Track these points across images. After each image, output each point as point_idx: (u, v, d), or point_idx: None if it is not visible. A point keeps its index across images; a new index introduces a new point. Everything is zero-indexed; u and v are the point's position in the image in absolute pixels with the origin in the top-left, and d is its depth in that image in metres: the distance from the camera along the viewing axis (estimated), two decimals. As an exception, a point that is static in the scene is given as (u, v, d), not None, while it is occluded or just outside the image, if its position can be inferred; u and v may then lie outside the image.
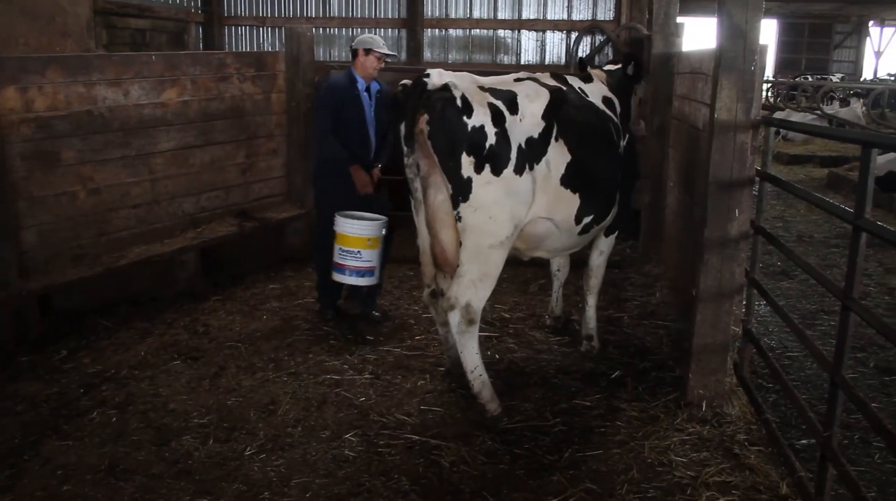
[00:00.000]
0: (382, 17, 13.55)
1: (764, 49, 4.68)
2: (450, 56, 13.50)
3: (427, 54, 13.44)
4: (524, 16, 13.31)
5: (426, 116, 4.47)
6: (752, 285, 5.02)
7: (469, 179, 4.51)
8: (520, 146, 4.63)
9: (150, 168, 6.90)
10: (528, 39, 13.39)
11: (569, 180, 4.92)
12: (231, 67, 7.72)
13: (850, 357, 5.69)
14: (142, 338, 6.10)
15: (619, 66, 5.96)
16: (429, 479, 4.17)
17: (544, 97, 4.88)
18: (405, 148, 4.66)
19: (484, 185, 4.52)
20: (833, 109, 20.27)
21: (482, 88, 4.70)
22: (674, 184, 7.36)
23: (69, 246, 6.24)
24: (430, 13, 13.38)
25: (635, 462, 4.34)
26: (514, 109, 4.69)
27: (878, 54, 41.54)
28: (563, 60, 13.21)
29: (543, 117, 4.80)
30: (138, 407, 4.93)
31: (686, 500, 4.00)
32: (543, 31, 13.32)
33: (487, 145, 4.52)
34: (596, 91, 5.53)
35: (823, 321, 6.73)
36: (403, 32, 13.49)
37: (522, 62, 13.35)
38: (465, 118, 4.49)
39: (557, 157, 4.84)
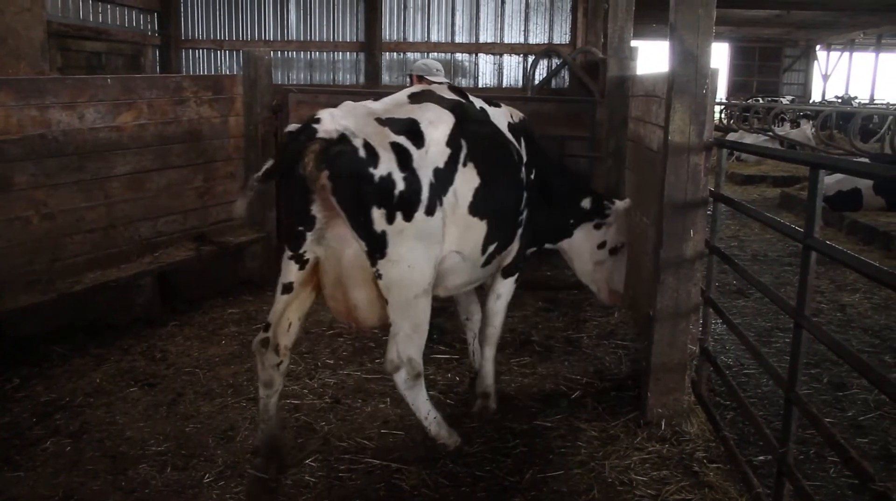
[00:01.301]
0: (340, 40, 13.61)
1: (715, 73, 4.79)
2: (407, 80, 13.57)
3: (385, 77, 13.52)
4: (481, 39, 13.46)
5: (327, 172, 3.88)
6: (708, 305, 5.10)
7: (383, 233, 4.04)
8: (431, 183, 4.18)
9: (105, 192, 6.80)
10: (486, 63, 13.54)
11: (476, 207, 4.47)
12: (188, 91, 7.68)
13: (803, 374, 5.79)
14: (97, 365, 5.99)
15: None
16: (391, 504, 4.15)
17: (448, 120, 4.41)
18: (288, 197, 4.14)
19: (398, 235, 4.06)
20: (784, 130, 20.72)
21: (380, 121, 4.16)
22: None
23: (22, 271, 6.12)
24: (387, 37, 13.48)
25: (596, 481, 4.36)
26: (418, 141, 4.20)
27: (825, 77, 42.71)
28: (520, 83, 13.36)
29: (448, 143, 4.33)
30: (94, 436, 4.83)
31: (647, 519, 4.03)
32: (500, 55, 13.48)
33: (397, 193, 4.03)
34: (500, 116, 5.06)
35: (778, 338, 6.84)
36: (362, 56, 13.56)
37: (480, 85, 13.49)
38: (370, 170, 3.96)
39: (465, 183, 4.41)
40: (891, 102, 35.00)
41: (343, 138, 3.94)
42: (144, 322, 6.86)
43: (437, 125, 4.34)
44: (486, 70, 13.55)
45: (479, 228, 4.56)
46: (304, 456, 4.60)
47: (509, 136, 4.95)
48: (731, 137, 18.42)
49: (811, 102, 36.53)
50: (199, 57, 13.74)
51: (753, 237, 11.60)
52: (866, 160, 11.16)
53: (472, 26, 13.40)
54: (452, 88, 4.95)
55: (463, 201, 4.41)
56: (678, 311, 4.92)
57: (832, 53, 43.46)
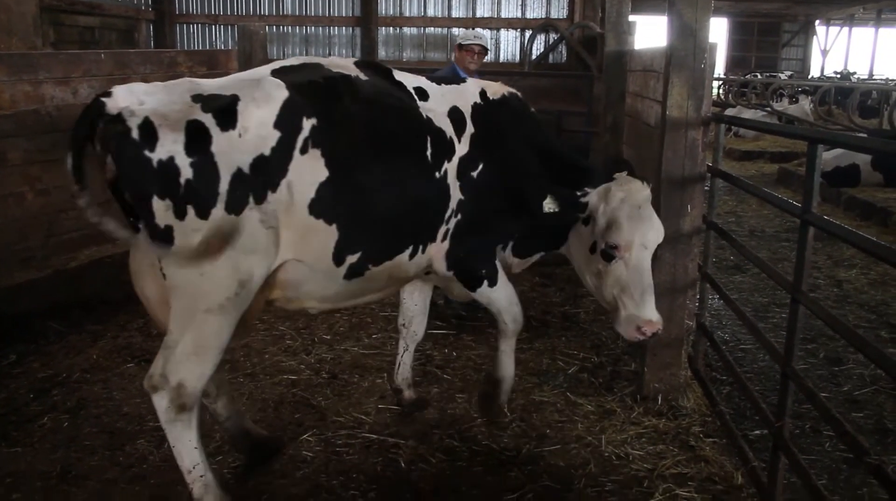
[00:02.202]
0: (336, 15, 13.53)
1: (714, 47, 4.76)
2: (404, 54, 13.53)
3: (381, 52, 13.46)
4: (478, 14, 13.38)
5: (110, 155, 3.30)
6: (705, 280, 5.10)
7: (168, 229, 3.29)
8: (237, 174, 3.35)
9: (100, 168, 6.76)
10: (483, 37, 13.43)
11: (321, 206, 3.57)
12: (183, 66, 7.61)
13: (800, 349, 5.81)
14: (94, 341, 5.99)
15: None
16: (387, 478, 4.16)
17: (280, 98, 3.53)
18: (76, 186, 3.34)
19: (190, 233, 3.30)
20: (782, 105, 20.64)
21: (196, 98, 3.41)
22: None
23: (17, 248, 6.09)
24: (384, 11, 13.40)
25: (593, 456, 4.38)
26: (228, 122, 3.38)
27: (824, 52, 42.44)
28: (517, 58, 13.28)
29: (278, 125, 3.47)
30: (91, 411, 4.84)
31: (643, 493, 4.04)
32: (498, 30, 13.41)
33: (183, 182, 3.26)
34: (446, 97, 4.18)
35: (775, 313, 6.85)
36: (357, 31, 13.48)
37: (478, 60, 13.37)
38: (146, 153, 3.23)
39: (305, 175, 3.52)
40: (890, 78, 34.86)
41: (118, 117, 3.27)
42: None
43: (263, 104, 3.49)
44: (483, 45, 13.45)
45: (326, 233, 3.63)
46: (301, 432, 4.62)
47: (437, 123, 4.02)
48: (729, 112, 18.35)
49: (810, 77, 36.34)
50: (193, 32, 13.66)
51: (751, 213, 11.61)
52: (864, 136, 11.12)
53: (468, 1, 13.31)
54: (368, 64, 4.07)
55: (301, 198, 3.53)
56: (675, 286, 4.92)
57: (831, 28, 43.19)
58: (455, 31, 13.39)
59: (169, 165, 3.24)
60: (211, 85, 3.53)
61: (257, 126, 3.41)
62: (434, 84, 4.24)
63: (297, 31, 13.65)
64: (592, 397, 5.10)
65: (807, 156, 3.53)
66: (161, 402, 3.53)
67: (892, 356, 2.85)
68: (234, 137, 3.36)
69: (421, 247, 4.06)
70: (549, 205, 4.12)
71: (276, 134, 3.45)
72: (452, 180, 4.07)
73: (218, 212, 3.30)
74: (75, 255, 6.46)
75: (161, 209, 3.27)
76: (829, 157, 12.19)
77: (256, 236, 3.41)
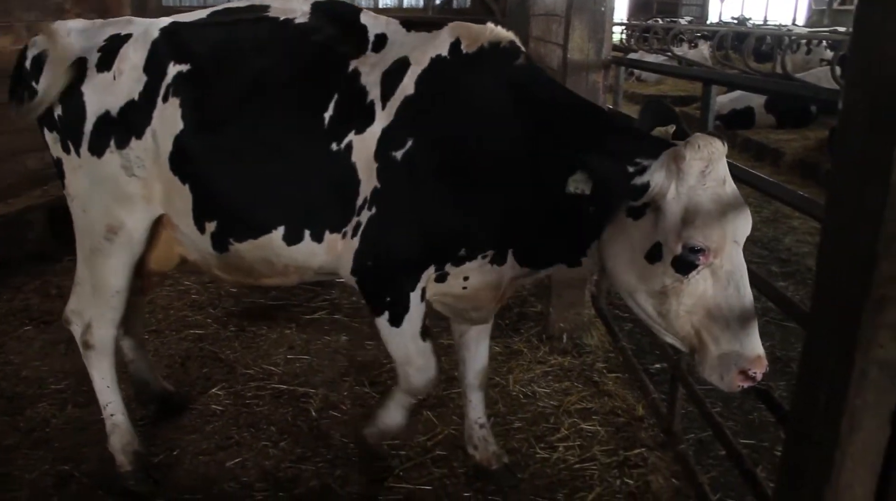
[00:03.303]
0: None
1: (611, 1, 4.80)
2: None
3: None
4: (380, -44, 13.09)
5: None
6: (606, 221, 5.20)
7: (59, 161, 3.46)
8: (104, 116, 3.30)
9: (-16, 121, 6.43)
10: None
11: (177, 162, 3.29)
12: (71, 13, 7.24)
13: (697, 285, 6.05)
14: (-13, 303, 5.75)
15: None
16: (298, 427, 4.16)
17: (150, 38, 3.35)
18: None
19: (74, 170, 3.42)
20: (682, 50, 21.04)
21: (114, 38, 3.41)
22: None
23: None
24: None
25: (501, 396, 4.48)
26: (105, 62, 3.33)
27: (722, -1, 43.41)
28: (421, 3, 13.11)
29: (147, 69, 3.30)
30: (-14, 376, 4.67)
31: (550, 428, 4.16)
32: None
33: (57, 117, 3.38)
34: (403, 48, 3.19)
35: (674, 252, 7.10)
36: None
37: (380, 6, 13.16)
38: (34, 84, 3.39)
39: (165, 126, 3.26)
40: (783, 24, 35.93)
41: (23, 50, 3.49)
42: (37, 258, 6.56)
43: (140, 47, 3.34)
44: (386, -12, 13.23)
45: (182, 193, 3.33)
46: (210, 385, 4.57)
47: (361, 82, 3.15)
48: (632, 57, 18.60)
49: (708, 23, 37.14)
50: (80, -25, 12.95)
51: (652, 156, 11.85)
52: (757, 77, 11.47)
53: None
54: (331, 5, 3.42)
55: (163, 149, 3.29)
56: (578, 228, 5.01)
57: (729, -26, 44.18)
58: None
59: (52, 105, 3.35)
60: (131, 22, 3.50)
61: (131, 69, 3.31)
62: (406, 30, 3.29)
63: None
64: (499, 338, 5.18)
65: (702, 96, 3.62)
66: (76, 335, 3.67)
67: (781, 290, 2.99)
68: (108, 79, 3.31)
69: (308, 233, 3.22)
70: (576, 184, 2.69)
71: (144, 78, 3.30)
72: (364, 159, 3.08)
73: (85, 152, 3.34)
74: (-38, 215, 6.16)
75: (52, 141, 3.44)
76: (726, 100, 12.55)
77: (120, 182, 3.35)
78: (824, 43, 15.95)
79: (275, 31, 3.30)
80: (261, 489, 3.68)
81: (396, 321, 3.27)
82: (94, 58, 3.34)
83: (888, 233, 1.54)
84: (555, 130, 2.94)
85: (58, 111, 3.35)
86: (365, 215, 3.11)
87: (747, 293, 2.53)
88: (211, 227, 3.33)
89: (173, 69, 3.27)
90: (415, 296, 3.22)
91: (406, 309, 3.24)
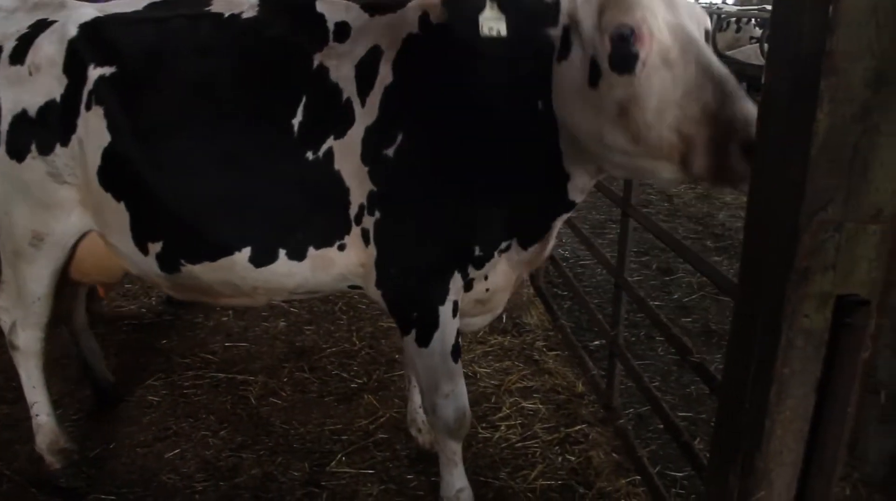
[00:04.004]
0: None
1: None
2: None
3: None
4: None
5: None
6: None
7: None
8: (21, 115, 2.97)
9: None
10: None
11: (107, 178, 2.95)
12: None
13: (634, 261, 6.16)
14: None
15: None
16: (237, 415, 4.11)
17: (70, 35, 2.97)
18: None
19: None
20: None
21: (38, 24, 3.09)
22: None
23: None
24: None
25: (442, 377, 4.48)
26: (20, 55, 2.99)
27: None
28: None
29: (67, 69, 2.94)
30: None
31: (492, 408, 4.18)
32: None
33: None
34: (372, 34, 2.81)
35: (611, 229, 7.19)
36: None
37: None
38: None
39: (91, 136, 2.92)
40: (713, 1, 36.41)
41: None
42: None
43: (56, 41, 2.98)
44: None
45: (118, 211, 2.99)
46: (147, 376, 4.48)
47: (332, 78, 2.78)
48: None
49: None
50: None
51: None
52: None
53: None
54: None
55: (91, 163, 2.95)
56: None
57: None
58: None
59: None
60: (74, 9, 3.11)
61: (48, 66, 2.96)
62: (369, 15, 2.90)
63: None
64: (440, 320, 5.18)
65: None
66: (5, 331, 3.50)
67: (714, 264, 3.04)
68: (23, 73, 2.98)
69: (283, 252, 2.89)
70: (489, 22, 2.45)
71: (65, 80, 2.95)
72: (350, 164, 2.76)
73: (1, 153, 3.03)
74: None
75: None
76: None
77: (48, 189, 3.03)
78: (753, 21, 16.22)
79: (220, 28, 2.92)
80: (201, 479, 3.62)
81: (425, 340, 2.92)
82: (9, 46, 3.01)
83: (809, 207, 1.57)
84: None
85: None
86: (370, 222, 2.79)
87: (712, 63, 2.21)
88: (156, 248, 3.00)
89: (94, 73, 2.91)
90: (445, 311, 2.88)
91: (435, 326, 2.89)
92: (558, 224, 2.96)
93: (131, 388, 4.35)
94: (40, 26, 3.04)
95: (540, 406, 4.18)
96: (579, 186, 2.75)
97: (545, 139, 2.62)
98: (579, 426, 4.00)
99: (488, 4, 2.41)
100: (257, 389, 4.34)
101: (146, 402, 4.23)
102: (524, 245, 2.94)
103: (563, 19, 2.41)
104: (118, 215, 2.99)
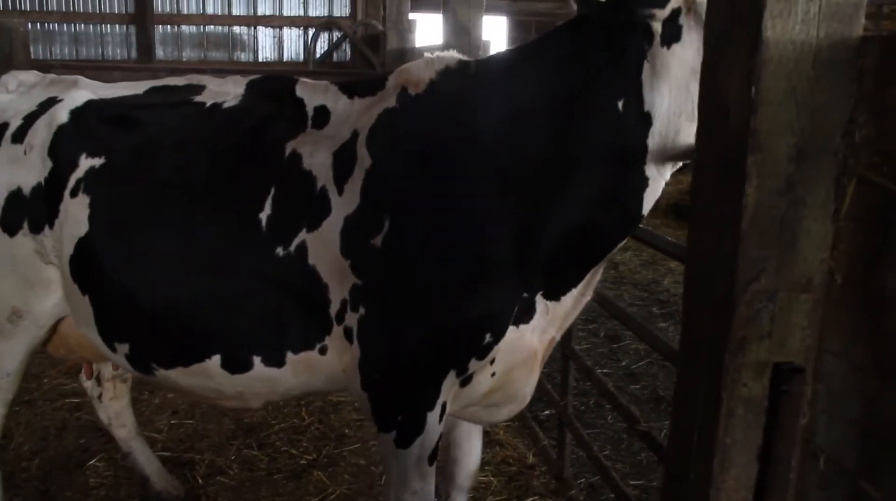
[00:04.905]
0: (108, 11, 12.81)
1: (487, 44, 4.95)
2: (184, 54, 13.01)
3: (159, 52, 12.88)
4: (259, 12, 13.12)
5: None
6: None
7: None
8: (15, 192, 2.96)
9: None
10: (265, 36, 13.24)
11: (78, 268, 2.88)
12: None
13: (582, 329, 6.21)
14: None
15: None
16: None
17: (61, 120, 2.96)
18: None
19: None
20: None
21: (47, 101, 3.10)
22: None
23: None
24: (160, 9, 12.83)
25: (393, 450, 4.43)
26: (21, 134, 3.00)
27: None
28: (301, 57, 13.16)
29: (52, 152, 2.93)
30: None
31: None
32: (280, 28, 13.21)
33: None
34: (352, 117, 2.69)
35: (559, 297, 7.27)
36: (132, 29, 12.81)
37: (260, 59, 13.15)
38: None
39: (69, 224, 2.86)
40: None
41: None
42: None
43: (48, 124, 2.97)
44: (265, 44, 13.24)
45: (84, 304, 2.92)
46: (88, 457, 4.35)
47: (305, 166, 2.63)
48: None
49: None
50: (-58, 31, 12.42)
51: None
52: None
53: (249, -2, 13.02)
54: (267, 80, 3.04)
55: (65, 251, 2.89)
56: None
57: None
58: (236, 29, 13.06)
59: None
60: (85, 88, 3.13)
61: (40, 147, 2.95)
62: (348, 96, 2.78)
63: (65, 28, 12.78)
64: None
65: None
66: None
67: (659, 331, 3.10)
68: (20, 152, 2.98)
69: (258, 359, 2.71)
70: None
71: (49, 164, 2.93)
72: (327, 258, 2.56)
73: None
74: None
75: None
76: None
77: (34, 266, 2.99)
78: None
79: (200, 119, 2.86)
80: (144, 564, 3.51)
81: (404, 443, 2.66)
82: (14, 124, 3.02)
83: (743, 277, 1.62)
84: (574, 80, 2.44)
85: None
86: (353, 319, 2.55)
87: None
88: (123, 349, 2.89)
89: (85, 162, 2.88)
90: (432, 416, 2.61)
91: (419, 431, 2.63)
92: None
93: (72, 470, 4.22)
94: (47, 105, 3.05)
95: (492, 479, 4.15)
96: (655, 193, 2.52)
97: (624, 140, 2.41)
98: (531, 498, 3.98)
99: None
100: (204, 467, 4.24)
101: (88, 485, 4.10)
102: (557, 294, 2.62)
103: (673, 2, 2.32)
104: (84, 307, 2.92)
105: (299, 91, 2.81)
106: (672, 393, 5.13)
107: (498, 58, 2.70)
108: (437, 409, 2.62)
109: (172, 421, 4.77)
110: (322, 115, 2.73)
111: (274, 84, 2.95)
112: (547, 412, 4.96)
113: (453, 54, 2.69)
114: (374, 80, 2.82)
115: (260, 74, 3.06)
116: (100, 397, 3.87)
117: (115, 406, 3.87)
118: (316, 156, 2.61)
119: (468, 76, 2.60)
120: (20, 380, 3.34)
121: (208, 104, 2.88)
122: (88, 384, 3.89)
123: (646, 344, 6.00)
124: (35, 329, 3.14)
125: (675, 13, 2.32)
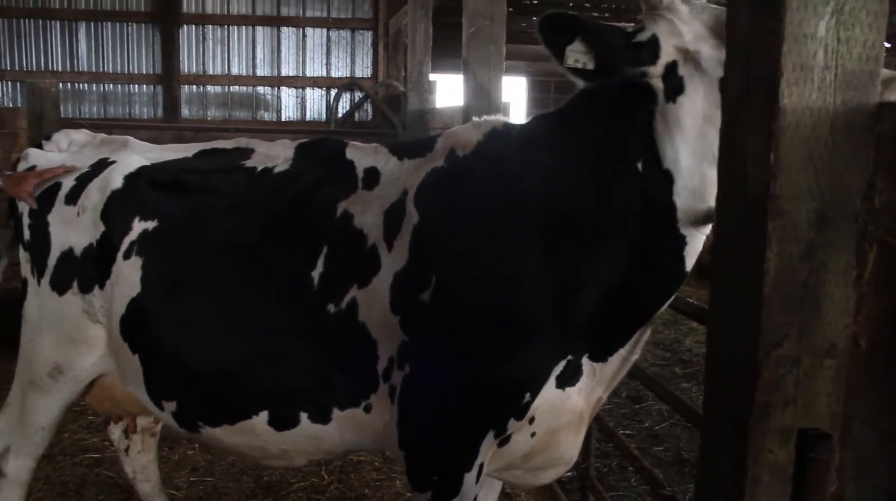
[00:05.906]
0: (136, 72, 13.09)
1: (507, 106, 5.02)
2: (209, 113, 13.25)
3: (185, 111, 13.12)
4: (283, 73, 13.37)
5: None
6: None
7: (25, 282, 3.24)
8: (67, 253, 3.07)
9: None
10: (288, 96, 13.47)
11: (128, 328, 2.95)
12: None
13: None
14: None
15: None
16: (201, 556, 3.98)
17: (116, 184, 3.04)
18: None
19: (34, 295, 3.19)
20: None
21: (100, 163, 3.20)
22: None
23: None
24: (186, 69, 13.10)
25: (411, 512, 4.39)
26: (74, 196, 3.11)
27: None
28: (323, 117, 13.37)
29: (104, 216, 3.02)
30: None
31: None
32: (303, 88, 13.45)
33: (26, 240, 3.21)
34: (402, 178, 2.73)
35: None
36: (159, 89, 13.08)
37: (283, 118, 13.36)
38: (18, 202, 3.24)
39: (122, 285, 2.94)
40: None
41: (16, 161, 3.41)
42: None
43: (102, 187, 3.07)
44: (288, 103, 13.46)
45: (133, 363, 2.97)
46: (106, 515, 4.34)
47: (356, 225, 2.67)
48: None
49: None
50: (-23, 90, 12.77)
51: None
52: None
53: (273, 59, 13.31)
54: (318, 143, 3.09)
55: (116, 310, 2.97)
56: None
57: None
58: (260, 89, 13.31)
59: (20, 219, 3.22)
60: (129, 144, 3.30)
61: (92, 211, 3.05)
62: (398, 158, 2.83)
63: (94, 88, 13.07)
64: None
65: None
66: None
67: (681, 393, 3.07)
68: (73, 214, 3.09)
69: (305, 416, 2.72)
70: (575, 55, 2.33)
71: (101, 227, 3.03)
72: (377, 315, 2.58)
73: (46, 284, 3.12)
74: None
75: (23, 260, 3.24)
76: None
77: (80, 325, 3.08)
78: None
79: (251, 183, 2.92)
80: None
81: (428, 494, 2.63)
82: (67, 185, 3.13)
83: (766, 343, 1.62)
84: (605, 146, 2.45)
85: (27, 235, 3.19)
86: (398, 377, 2.54)
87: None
88: (171, 406, 2.93)
89: (139, 226, 2.97)
90: (469, 477, 2.56)
91: (455, 493, 2.58)
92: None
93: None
94: (100, 167, 3.16)
95: (512, 541, 4.09)
96: (695, 249, 2.45)
97: (651, 200, 2.38)
98: (553, 562, 3.91)
99: (577, 38, 2.30)
100: (222, 527, 4.22)
101: (105, 543, 4.09)
102: (604, 355, 2.58)
103: (665, 56, 2.30)
104: (133, 365, 2.98)
105: (349, 153, 2.88)
106: (696, 456, 5.08)
107: (539, 121, 2.73)
108: (475, 470, 2.57)
109: (192, 478, 4.76)
110: (372, 176, 2.77)
111: (324, 147, 3.02)
112: (568, 473, 4.89)
113: (499, 118, 2.76)
114: (423, 141, 2.90)
115: (288, 134, 3.18)
116: (127, 449, 3.88)
117: (142, 460, 3.88)
118: (367, 215, 2.66)
119: (512, 139, 2.64)
120: (52, 435, 3.39)
121: (259, 169, 2.96)
122: (116, 436, 3.90)
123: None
124: (74, 385, 3.22)
125: (672, 66, 2.31)
